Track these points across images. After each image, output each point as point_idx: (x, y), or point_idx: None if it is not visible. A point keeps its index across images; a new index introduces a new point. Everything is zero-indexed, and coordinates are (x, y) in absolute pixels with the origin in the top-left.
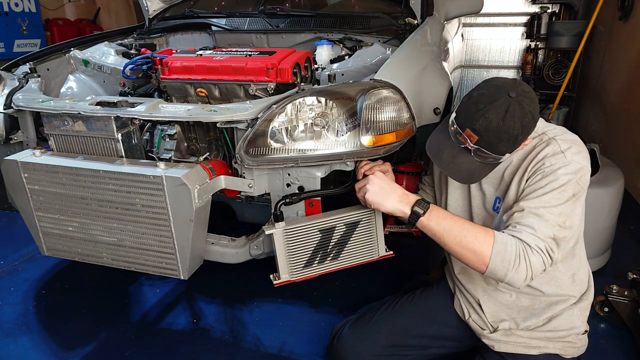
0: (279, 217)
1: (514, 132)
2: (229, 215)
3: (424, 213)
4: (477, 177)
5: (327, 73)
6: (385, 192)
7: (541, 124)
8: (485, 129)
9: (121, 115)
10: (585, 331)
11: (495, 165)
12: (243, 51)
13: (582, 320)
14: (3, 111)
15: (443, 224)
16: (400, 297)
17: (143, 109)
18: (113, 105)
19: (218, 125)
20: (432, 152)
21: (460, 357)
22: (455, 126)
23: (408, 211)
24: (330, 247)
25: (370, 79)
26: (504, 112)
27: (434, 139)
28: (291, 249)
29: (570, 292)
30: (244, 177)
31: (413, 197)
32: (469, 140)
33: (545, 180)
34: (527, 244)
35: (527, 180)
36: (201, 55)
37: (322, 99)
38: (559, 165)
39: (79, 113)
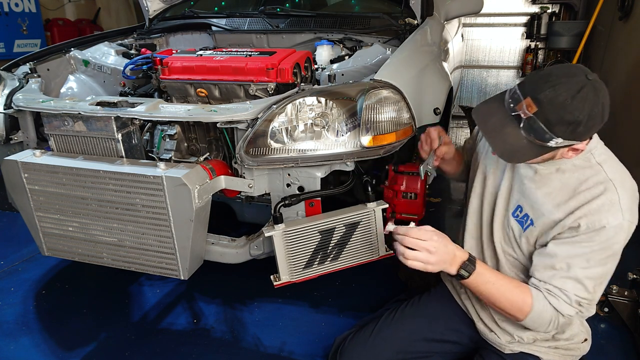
0: (278, 219)
1: (578, 117)
2: (229, 216)
3: (468, 276)
4: (518, 157)
5: (327, 73)
6: (443, 261)
7: (598, 145)
8: (549, 101)
9: (121, 116)
10: (585, 339)
11: (542, 151)
12: (243, 51)
13: (580, 329)
14: (3, 111)
15: (482, 288)
16: (399, 305)
17: (143, 109)
18: (113, 105)
19: (218, 125)
20: (479, 116)
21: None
22: (516, 92)
23: (454, 272)
24: (330, 247)
25: (370, 79)
26: (577, 91)
27: (484, 104)
28: (291, 250)
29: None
30: (244, 177)
31: (460, 257)
32: (525, 109)
33: (596, 243)
34: (561, 313)
35: (574, 227)
36: (201, 55)
37: (322, 99)
38: (614, 230)
39: (79, 113)
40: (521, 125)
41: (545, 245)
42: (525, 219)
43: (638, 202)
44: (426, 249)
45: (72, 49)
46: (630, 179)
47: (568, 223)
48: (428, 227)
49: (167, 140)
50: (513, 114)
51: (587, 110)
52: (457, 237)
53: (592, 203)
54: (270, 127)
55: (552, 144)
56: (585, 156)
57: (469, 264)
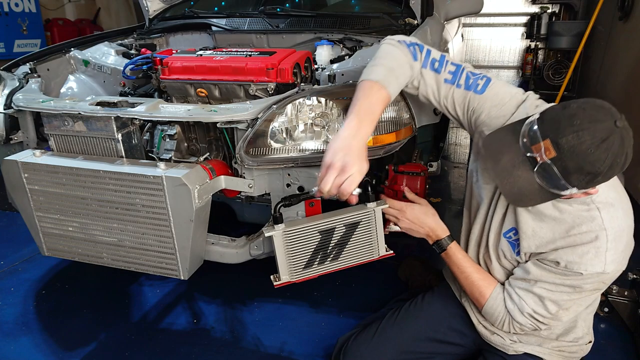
0: (278, 219)
1: (599, 168)
2: (229, 216)
3: (439, 253)
4: (526, 202)
5: (327, 73)
6: (415, 228)
7: (604, 185)
8: (570, 149)
9: (121, 116)
10: (590, 341)
11: (552, 197)
12: (243, 51)
13: (585, 331)
14: (3, 111)
15: (453, 268)
16: (402, 304)
17: (143, 109)
18: (113, 105)
19: (218, 125)
20: (489, 152)
21: None
22: (533, 131)
23: (430, 243)
24: (330, 247)
25: None
26: (601, 140)
27: (497, 137)
28: (291, 250)
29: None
30: (244, 177)
31: (440, 233)
32: (543, 153)
33: (568, 280)
34: (513, 319)
35: (554, 261)
36: (201, 55)
37: (322, 99)
38: (590, 276)
39: (79, 113)
40: (535, 169)
41: (527, 261)
42: (517, 242)
43: (631, 252)
44: (400, 210)
45: (72, 49)
46: (629, 230)
47: (550, 257)
48: (417, 206)
49: (167, 140)
50: (528, 154)
51: (609, 162)
52: (459, 237)
53: (578, 248)
54: (270, 127)
55: (565, 193)
56: (584, 199)
57: (444, 242)
